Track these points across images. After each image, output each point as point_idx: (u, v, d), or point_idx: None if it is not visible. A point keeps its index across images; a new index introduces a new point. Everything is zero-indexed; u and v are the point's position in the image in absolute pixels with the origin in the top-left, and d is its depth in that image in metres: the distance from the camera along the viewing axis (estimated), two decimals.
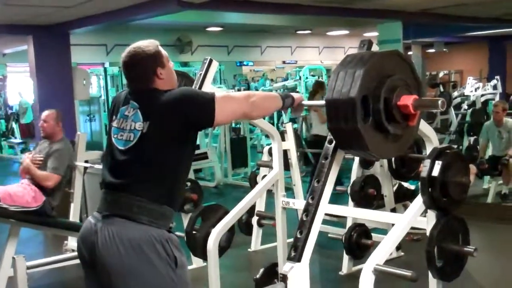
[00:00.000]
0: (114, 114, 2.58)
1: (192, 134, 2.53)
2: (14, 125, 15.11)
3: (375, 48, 2.85)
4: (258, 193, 4.20)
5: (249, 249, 5.89)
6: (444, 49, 14.73)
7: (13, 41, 9.06)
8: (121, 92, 2.65)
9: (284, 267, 2.58)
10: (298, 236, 2.63)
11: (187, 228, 4.40)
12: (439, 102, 2.44)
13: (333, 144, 2.71)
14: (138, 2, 6.42)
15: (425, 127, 3.25)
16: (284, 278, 2.55)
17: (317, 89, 9.00)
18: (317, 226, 2.65)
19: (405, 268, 2.83)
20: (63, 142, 5.20)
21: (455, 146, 9.78)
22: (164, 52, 2.58)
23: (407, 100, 2.47)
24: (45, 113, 5.26)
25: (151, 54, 2.51)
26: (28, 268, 4.01)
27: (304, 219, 2.66)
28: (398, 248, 5.33)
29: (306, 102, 2.88)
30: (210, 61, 3.74)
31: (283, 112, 11.19)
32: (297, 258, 2.58)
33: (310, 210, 2.66)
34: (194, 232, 4.31)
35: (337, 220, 5.55)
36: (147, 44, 2.54)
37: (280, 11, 8.23)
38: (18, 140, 14.30)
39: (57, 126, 5.20)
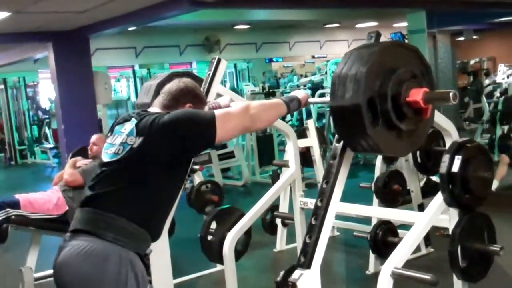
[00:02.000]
0: (110, 131, 2.51)
1: (189, 157, 2.43)
2: (47, 130, 15.23)
3: (383, 39, 2.70)
4: (274, 194, 4.08)
5: (274, 249, 5.77)
6: (474, 37, 14.36)
7: (42, 47, 9.08)
8: (124, 114, 2.57)
9: (293, 274, 2.45)
10: (307, 241, 2.50)
11: (201, 232, 4.29)
12: (451, 94, 2.28)
13: (341, 143, 2.56)
14: (149, 5, 6.36)
15: (443, 120, 3.09)
16: (293, 287, 2.42)
17: None
18: (327, 229, 2.51)
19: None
20: None
21: (488, 136, 9.53)
22: (207, 107, 2.69)
23: (417, 95, 2.31)
24: (95, 137, 5.19)
25: (195, 92, 2.55)
26: (36, 279, 3.95)
27: (313, 223, 2.52)
28: (427, 244, 5.15)
29: (312, 99, 2.73)
30: (219, 60, 3.63)
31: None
32: (307, 265, 2.45)
33: (319, 214, 2.52)
34: (208, 236, 4.19)
35: (363, 217, 5.39)
36: (200, 89, 2.64)
37: (307, 5, 8.05)
38: (51, 145, 14.40)
39: (101, 148, 5.12)
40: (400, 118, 2.33)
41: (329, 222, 2.51)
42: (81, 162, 5.07)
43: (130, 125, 2.37)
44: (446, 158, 2.95)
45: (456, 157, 2.94)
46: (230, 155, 9.36)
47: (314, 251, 2.46)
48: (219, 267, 5.11)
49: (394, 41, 2.39)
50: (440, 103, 2.40)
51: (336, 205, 2.55)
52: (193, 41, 14.77)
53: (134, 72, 15.55)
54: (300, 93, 2.68)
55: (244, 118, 2.36)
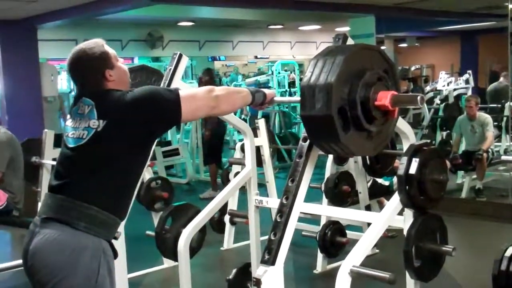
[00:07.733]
0: (69, 113, 2.44)
1: (154, 137, 2.41)
2: None
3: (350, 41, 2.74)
4: (230, 192, 4.08)
5: (221, 248, 5.78)
6: (416, 44, 14.74)
7: None
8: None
9: (258, 271, 2.46)
10: (272, 238, 2.51)
11: (157, 228, 4.26)
12: (418, 98, 2.33)
13: (307, 142, 2.59)
14: None
15: (401, 123, 3.16)
16: (257, 283, 2.43)
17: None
18: (291, 227, 2.54)
19: (380, 266, 2.76)
20: None
21: (428, 141, 9.78)
22: (111, 51, 2.42)
23: (384, 99, 2.34)
24: None
25: (96, 56, 2.36)
26: None
27: (278, 220, 2.54)
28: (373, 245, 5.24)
29: (278, 98, 2.76)
30: (180, 56, 3.60)
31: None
32: (271, 261, 2.46)
33: (284, 211, 2.54)
34: (164, 232, 4.17)
35: (311, 217, 5.45)
36: (92, 45, 2.38)
37: (251, 4, 8.10)
38: None
39: None
40: (369, 121, 2.36)
41: (294, 219, 2.54)
42: None
43: (87, 107, 2.31)
44: (404, 160, 3.01)
45: (414, 159, 3.00)
46: (175, 152, 9.31)
47: (278, 248, 2.47)
48: (166, 264, 5.09)
49: (359, 44, 2.40)
50: (408, 106, 2.45)
51: (301, 203, 2.58)
52: (135, 36, 14.52)
53: None
54: (267, 90, 2.71)
55: (209, 99, 2.37)
